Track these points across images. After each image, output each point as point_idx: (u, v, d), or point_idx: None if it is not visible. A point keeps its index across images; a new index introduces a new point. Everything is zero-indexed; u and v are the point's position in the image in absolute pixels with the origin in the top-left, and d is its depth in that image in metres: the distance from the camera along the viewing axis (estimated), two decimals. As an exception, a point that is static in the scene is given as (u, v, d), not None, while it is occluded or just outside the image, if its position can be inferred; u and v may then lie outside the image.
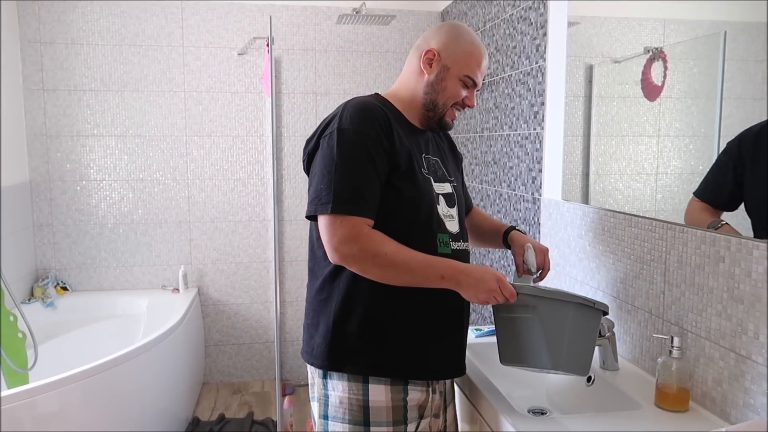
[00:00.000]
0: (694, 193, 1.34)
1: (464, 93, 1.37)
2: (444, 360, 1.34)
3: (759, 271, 1.12)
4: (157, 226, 3.30)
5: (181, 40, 3.22)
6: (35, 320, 2.79)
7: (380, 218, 1.24)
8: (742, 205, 1.22)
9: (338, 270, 1.28)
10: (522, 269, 1.45)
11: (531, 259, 1.43)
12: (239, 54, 3.28)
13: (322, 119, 1.31)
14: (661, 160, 1.50)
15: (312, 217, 1.27)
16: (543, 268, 1.46)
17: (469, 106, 1.40)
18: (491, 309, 1.34)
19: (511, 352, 1.28)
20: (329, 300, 1.30)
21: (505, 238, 1.54)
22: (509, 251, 1.55)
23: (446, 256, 1.29)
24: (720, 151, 1.28)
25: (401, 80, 1.42)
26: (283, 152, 3.39)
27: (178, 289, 3.26)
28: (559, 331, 1.22)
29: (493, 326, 1.37)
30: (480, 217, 1.64)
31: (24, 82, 3.06)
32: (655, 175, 1.53)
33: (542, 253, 1.46)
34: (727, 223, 1.23)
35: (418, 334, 1.30)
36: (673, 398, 1.27)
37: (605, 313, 1.31)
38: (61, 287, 3.15)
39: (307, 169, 1.33)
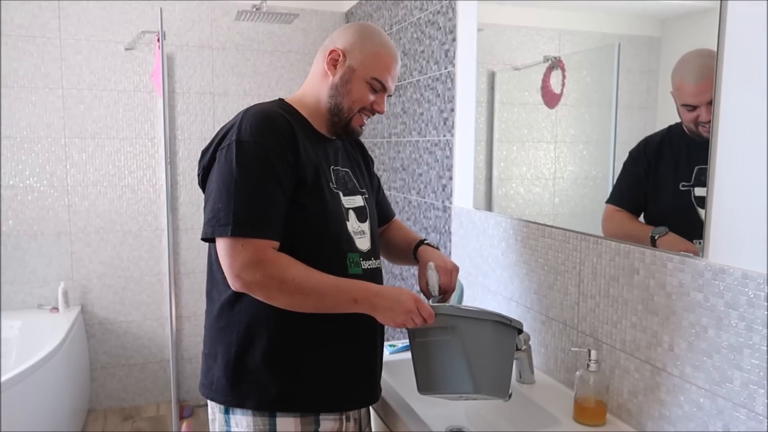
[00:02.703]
0: (609, 202, 1.33)
1: (372, 97, 1.25)
2: (358, 388, 1.25)
3: (673, 284, 1.12)
4: (31, 238, 2.94)
5: (57, 32, 2.89)
6: None
7: (284, 238, 1.12)
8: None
9: (239, 294, 1.14)
10: (427, 291, 1.31)
11: (433, 281, 1.29)
12: (126, 49, 3.00)
13: (220, 122, 1.17)
14: (558, 165, 1.53)
15: (209, 239, 1.13)
16: (446, 290, 1.31)
17: (378, 112, 1.28)
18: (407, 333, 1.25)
19: (430, 380, 1.20)
20: (229, 328, 1.16)
21: (414, 253, 1.41)
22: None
23: (357, 276, 1.20)
24: (615, 157, 1.30)
25: (307, 84, 1.30)
26: (177, 156, 3.13)
27: (57, 309, 2.92)
28: (479, 352, 1.16)
29: (408, 341, 1.29)
30: (395, 231, 1.51)
31: None
32: (552, 180, 1.55)
33: (447, 274, 1.32)
34: (669, 232, 1.18)
35: (329, 363, 1.19)
36: (591, 412, 1.25)
37: (520, 332, 1.26)
38: None
39: (203, 183, 1.19)
